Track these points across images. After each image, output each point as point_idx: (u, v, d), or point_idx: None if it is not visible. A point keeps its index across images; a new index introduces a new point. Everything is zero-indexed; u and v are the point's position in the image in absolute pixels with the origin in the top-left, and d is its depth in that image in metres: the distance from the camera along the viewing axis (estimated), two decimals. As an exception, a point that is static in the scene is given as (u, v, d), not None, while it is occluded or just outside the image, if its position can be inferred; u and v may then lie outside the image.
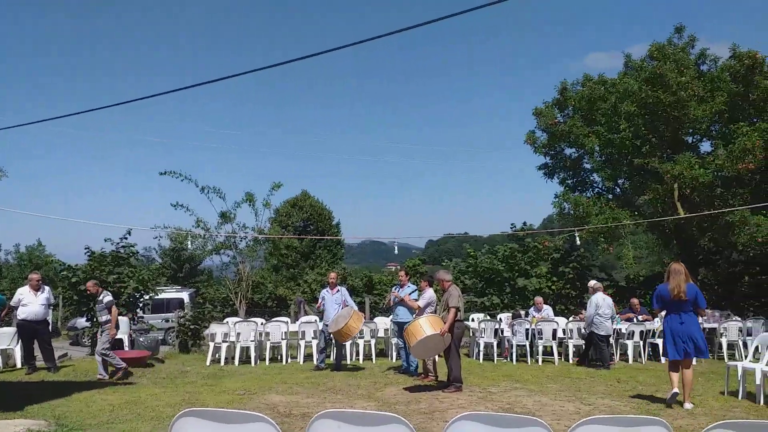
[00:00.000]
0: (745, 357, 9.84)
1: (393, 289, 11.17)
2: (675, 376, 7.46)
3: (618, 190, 19.98)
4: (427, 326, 8.45)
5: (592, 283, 12.31)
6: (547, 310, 13.57)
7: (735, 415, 7.06)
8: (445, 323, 8.49)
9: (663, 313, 8.07)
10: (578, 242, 16.99)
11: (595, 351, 11.75)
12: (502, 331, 12.85)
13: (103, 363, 9.68)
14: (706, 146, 19.00)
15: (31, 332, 10.16)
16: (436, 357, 9.80)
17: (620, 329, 12.51)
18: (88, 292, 10.57)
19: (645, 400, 7.93)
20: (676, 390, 7.35)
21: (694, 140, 19.08)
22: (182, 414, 2.95)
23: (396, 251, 17.38)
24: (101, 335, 9.81)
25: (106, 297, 9.85)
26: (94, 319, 13.11)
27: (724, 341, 12.64)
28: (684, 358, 7.39)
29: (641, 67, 18.30)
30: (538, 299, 14.15)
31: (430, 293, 9.89)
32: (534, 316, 13.07)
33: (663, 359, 12.11)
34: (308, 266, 32.49)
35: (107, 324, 9.73)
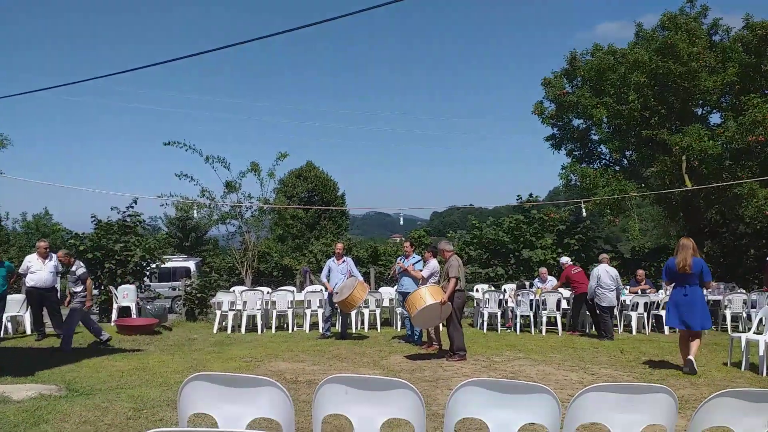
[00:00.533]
0: (749, 329, 9.88)
1: (398, 259, 11.23)
2: (685, 348, 7.86)
3: (625, 161, 19.85)
4: (427, 296, 8.51)
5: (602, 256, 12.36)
6: (552, 281, 13.62)
7: (738, 385, 7.12)
8: (445, 293, 8.54)
9: (671, 286, 8.31)
10: (584, 214, 16.96)
11: (597, 321, 11.85)
12: (506, 302, 12.94)
13: (66, 338, 9.17)
14: (715, 118, 18.83)
15: (39, 299, 10.28)
16: (440, 326, 9.88)
17: (624, 300, 12.56)
18: (60, 262, 9.99)
19: (648, 370, 8.00)
20: (691, 357, 7.75)
21: (704, 112, 18.87)
22: (191, 378, 3.00)
23: (401, 222, 17.40)
24: (73, 305, 9.27)
25: (80, 269, 9.34)
26: (101, 287, 13.27)
27: (728, 313, 12.68)
28: (683, 329, 7.85)
29: (652, 37, 18.03)
30: (543, 270, 14.19)
31: (433, 263, 9.93)
32: (538, 287, 13.13)
33: (666, 330, 12.21)
34: (313, 237, 32.62)
35: (82, 296, 9.25)
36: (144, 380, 6.81)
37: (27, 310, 10.97)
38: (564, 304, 12.59)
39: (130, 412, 5.30)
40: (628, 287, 13.46)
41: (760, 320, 8.55)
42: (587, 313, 12.32)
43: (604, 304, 11.44)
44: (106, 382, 6.63)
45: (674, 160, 16.79)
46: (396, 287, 11.70)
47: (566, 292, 12.88)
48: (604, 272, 11.61)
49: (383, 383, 3.05)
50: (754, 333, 8.32)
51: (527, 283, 14.24)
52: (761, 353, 7.78)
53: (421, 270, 10.20)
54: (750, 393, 2.96)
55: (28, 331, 11.00)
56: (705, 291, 8.32)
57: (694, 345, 7.82)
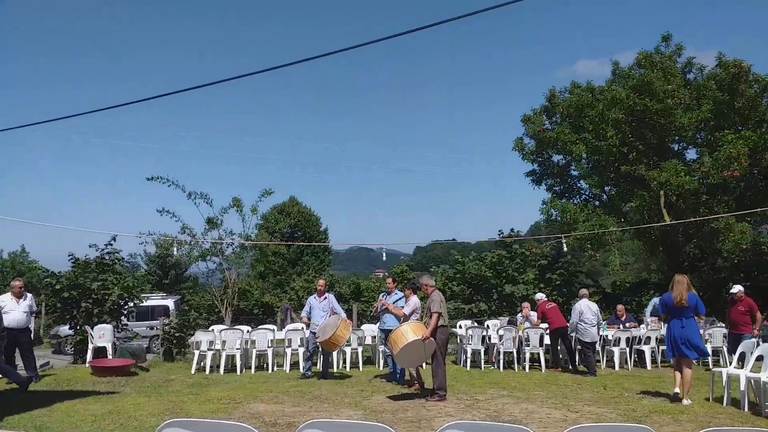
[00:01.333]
0: (730, 363, 9.93)
1: (380, 296, 11.17)
2: (678, 376, 8.37)
3: (605, 196, 20.15)
4: (409, 332, 8.45)
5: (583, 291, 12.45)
6: (534, 317, 13.62)
7: (720, 421, 7.13)
8: (427, 328, 8.49)
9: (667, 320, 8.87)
10: (565, 249, 17.11)
11: (580, 358, 11.85)
12: (490, 338, 12.90)
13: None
14: (691, 154, 19.27)
15: (12, 340, 10.01)
16: (423, 365, 9.80)
17: (606, 336, 12.59)
18: None
19: (631, 407, 7.98)
20: (677, 390, 8.29)
21: (680, 148, 19.32)
22: (166, 424, 2.94)
23: (384, 258, 17.39)
24: None
25: None
26: (77, 327, 13.01)
27: (708, 347, 12.71)
28: (680, 358, 8.35)
29: (629, 75, 18.51)
30: (525, 305, 14.21)
31: (414, 300, 9.90)
32: (520, 324, 13.12)
33: (649, 365, 12.24)
34: (295, 273, 32.40)
35: None
36: (118, 425, 6.64)
37: (-1, 351, 10.68)
38: (547, 340, 12.58)
39: (102, 459, 5.15)
40: (606, 323, 13.52)
41: (741, 354, 8.61)
42: (559, 348, 12.37)
43: (586, 340, 11.47)
44: (78, 428, 6.45)
45: (652, 195, 17.08)
46: (378, 324, 11.62)
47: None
48: (586, 307, 11.67)
49: (363, 428, 3.02)
50: (735, 368, 8.37)
51: (516, 318, 14.25)
52: (742, 388, 7.82)
53: (402, 307, 10.16)
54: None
55: (-1, 374, 10.69)
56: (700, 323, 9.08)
57: (686, 376, 8.28)
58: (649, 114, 17.06)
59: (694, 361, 12.15)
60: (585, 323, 11.47)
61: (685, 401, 8.10)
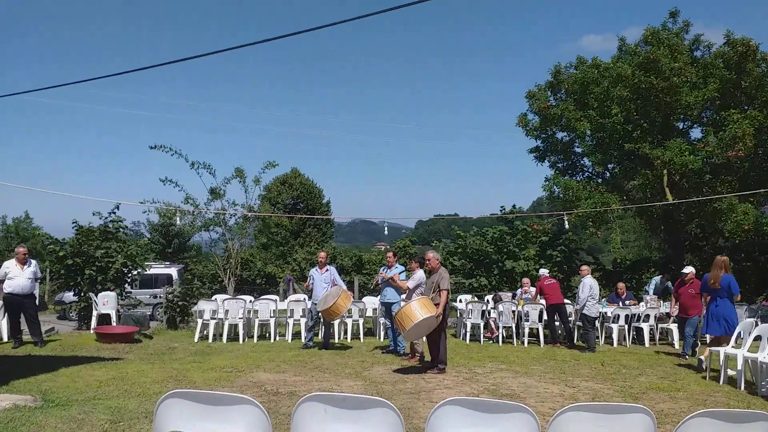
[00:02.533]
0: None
1: (381, 269, 11.19)
2: (706, 350, 8.91)
3: (608, 174, 20.05)
4: (421, 309, 8.44)
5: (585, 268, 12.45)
6: (531, 290, 13.64)
7: (716, 399, 7.18)
8: (436, 305, 8.50)
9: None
10: (567, 226, 17.09)
11: (579, 333, 11.91)
12: (489, 313, 12.97)
13: None
14: (696, 133, 19.11)
15: (17, 306, 10.10)
16: (424, 338, 9.85)
17: (606, 312, 12.64)
18: None
19: (628, 383, 8.04)
20: (702, 357, 9.01)
21: (685, 126, 19.14)
22: (169, 395, 2.95)
23: (386, 231, 17.39)
24: None
25: None
26: (81, 294, 13.09)
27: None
28: (718, 335, 8.92)
29: (635, 52, 18.26)
30: (525, 281, 14.26)
31: (420, 274, 9.90)
32: (521, 299, 13.17)
33: (647, 342, 12.32)
34: (297, 244, 32.46)
35: None
36: (122, 391, 6.70)
37: (4, 316, 10.77)
38: (546, 316, 12.62)
39: (106, 425, 5.21)
40: (605, 300, 13.57)
41: (738, 334, 8.64)
42: (556, 323, 12.45)
43: (592, 315, 11.52)
44: (83, 393, 6.51)
45: (656, 174, 16.99)
46: (379, 297, 11.66)
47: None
48: (594, 283, 11.73)
49: (363, 402, 3.03)
50: (732, 347, 8.41)
51: (510, 294, 14.29)
52: (739, 367, 7.86)
53: (405, 280, 10.18)
54: (728, 414, 2.98)
55: (5, 339, 10.79)
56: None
57: (712, 348, 8.79)
58: (655, 92, 16.87)
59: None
60: (593, 299, 11.52)
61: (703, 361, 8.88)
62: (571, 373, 8.76)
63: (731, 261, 19.17)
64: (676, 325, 12.09)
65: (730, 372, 8.24)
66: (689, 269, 10.95)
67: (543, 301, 12.62)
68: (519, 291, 14.11)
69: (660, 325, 12.99)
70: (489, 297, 14.73)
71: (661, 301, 13.75)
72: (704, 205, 16.77)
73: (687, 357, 10.20)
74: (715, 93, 16.88)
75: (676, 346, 12.04)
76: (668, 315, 12.45)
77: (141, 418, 5.46)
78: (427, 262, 9.23)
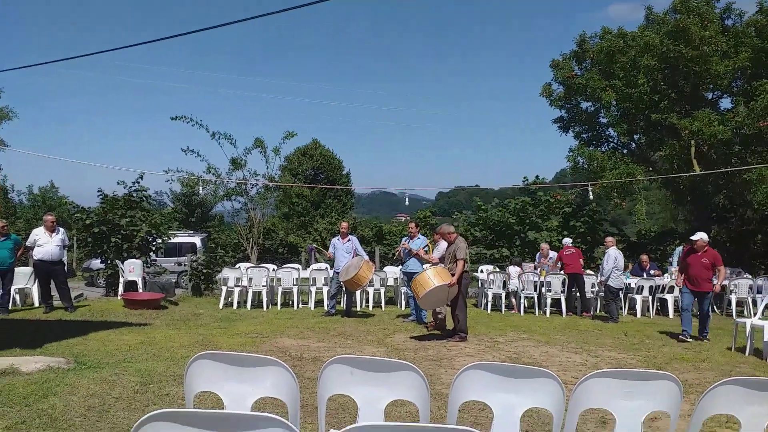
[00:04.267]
0: (754, 314, 9.88)
1: (403, 240, 11.21)
2: None
3: (633, 145, 19.74)
4: (435, 278, 8.49)
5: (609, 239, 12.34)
6: (554, 256, 13.55)
7: (741, 370, 7.13)
8: (453, 275, 8.53)
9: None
10: (591, 197, 16.90)
11: (601, 304, 11.87)
12: (510, 285, 12.93)
13: None
14: (726, 103, 18.67)
15: (47, 272, 10.34)
16: (444, 307, 9.91)
17: (629, 284, 12.56)
18: None
19: (652, 353, 8.01)
20: None
21: (715, 96, 18.69)
22: (198, 356, 3.01)
23: (407, 202, 17.39)
24: None
25: None
26: (108, 262, 13.34)
27: (733, 298, 12.67)
28: None
29: (663, 21, 17.79)
30: (544, 246, 14.15)
31: (444, 245, 9.91)
32: (543, 270, 13.12)
33: (671, 313, 12.23)
34: (318, 215, 32.63)
35: None
36: (151, 354, 6.87)
37: (35, 282, 11.05)
38: (574, 287, 12.53)
39: (137, 386, 5.35)
40: (629, 272, 13.46)
41: (766, 306, 8.54)
42: (573, 292, 12.45)
43: (615, 286, 11.46)
44: (113, 356, 6.69)
45: (683, 145, 16.67)
46: (401, 267, 11.71)
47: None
48: (619, 254, 11.64)
49: (388, 365, 3.06)
50: (759, 318, 8.32)
51: (525, 266, 14.24)
52: (766, 339, 7.79)
53: (428, 253, 10.21)
54: (756, 381, 2.95)
55: (36, 304, 11.09)
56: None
57: (738, 320, 8.47)
58: (684, 61, 16.46)
59: (717, 312, 12.27)
60: (618, 270, 11.46)
61: None
62: (594, 343, 8.75)
63: (759, 233, 18.98)
64: (673, 297, 11.70)
65: (756, 344, 8.17)
66: (699, 235, 9.39)
67: (561, 271, 12.58)
68: (538, 255, 14.06)
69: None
70: (510, 267, 14.70)
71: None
72: (732, 176, 16.45)
73: (687, 337, 9.02)
74: (746, 62, 16.42)
75: (671, 315, 12.02)
76: (672, 288, 11.89)
77: (170, 381, 5.60)
78: (445, 235, 9.27)
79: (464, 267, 8.69)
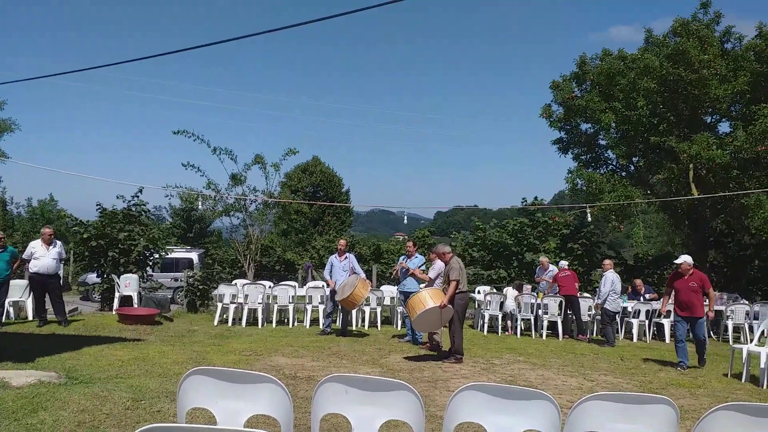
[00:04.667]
0: (751, 341, 9.84)
1: (401, 259, 11.20)
2: None
3: (632, 168, 19.80)
4: (428, 299, 8.47)
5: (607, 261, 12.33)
6: (553, 270, 13.50)
7: (737, 397, 7.09)
8: (446, 295, 8.50)
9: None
10: (589, 219, 16.93)
11: (598, 327, 11.83)
12: (507, 306, 12.88)
13: None
14: (724, 127, 18.76)
15: (42, 285, 10.29)
16: (442, 327, 9.87)
17: (626, 307, 12.53)
18: None
19: (648, 378, 7.97)
20: None
21: (713, 120, 18.80)
22: (191, 372, 2.99)
23: (405, 221, 17.43)
24: None
25: None
26: (104, 276, 13.30)
27: (730, 324, 12.64)
28: None
29: (663, 43, 17.96)
30: (544, 260, 14.14)
31: (439, 265, 9.90)
32: (540, 292, 13.10)
33: (668, 338, 12.18)
34: (317, 232, 32.63)
35: None
36: (143, 370, 6.81)
37: (29, 295, 10.99)
38: (569, 309, 12.50)
39: (128, 403, 5.30)
40: (625, 297, 13.43)
41: (762, 332, 8.51)
42: (569, 315, 12.40)
43: (612, 310, 11.43)
44: (105, 371, 6.63)
45: (681, 168, 16.74)
46: (398, 287, 11.69)
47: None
48: (617, 278, 11.63)
49: (383, 384, 3.04)
50: (756, 345, 8.29)
51: (529, 287, 14.22)
52: (762, 365, 7.75)
53: (425, 272, 10.19)
54: (752, 407, 2.94)
55: (30, 317, 11.02)
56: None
57: (735, 346, 8.44)
58: (683, 84, 16.58)
59: (713, 337, 12.23)
60: (615, 293, 11.43)
61: None
62: (590, 367, 8.71)
63: (756, 259, 18.99)
64: (670, 321, 11.45)
65: (753, 371, 8.13)
66: (683, 258, 9.11)
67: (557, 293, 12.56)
68: (538, 269, 14.07)
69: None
70: (507, 288, 14.66)
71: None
72: (731, 200, 16.50)
73: (684, 368, 8.72)
74: (745, 86, 16.54)
75: (667, 340, 11.98)
76: (668, 312, 11.07)
77: (162, 397, 5.55)
78: (440, 255, 9.28)
79: (457, 288, 8.63)
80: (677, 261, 9.19)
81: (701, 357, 9.06)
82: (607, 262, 12.21)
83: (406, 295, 10.55)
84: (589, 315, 12.53)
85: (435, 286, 9.28)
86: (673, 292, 9.26)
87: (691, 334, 9.18)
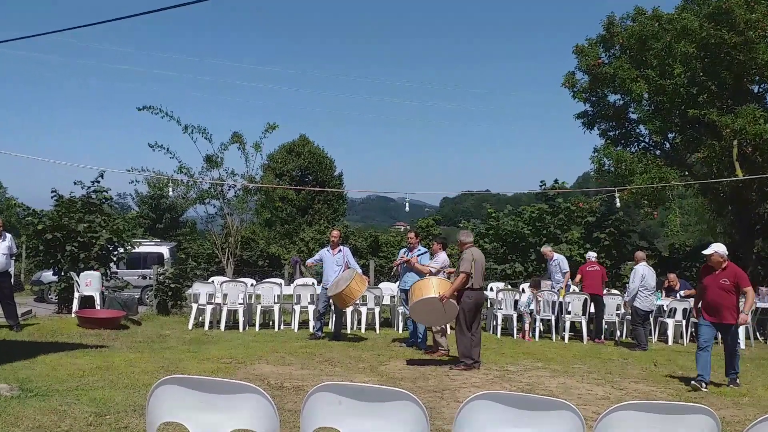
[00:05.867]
0: None
1: (401, 252, 11.21)
2: None
3: (667, 145, 19.79)
4: (431, 288, 8.49)
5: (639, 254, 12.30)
6: (558, 260, 13.41)
7: (787, 406, 7.14)
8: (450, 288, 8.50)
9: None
10: (618, 204, 16.94)
11: (629, 329, 11.88)
12: (522, 305, 12.81)
13: None
14: (774, 97, 18.71)
15: (-10, 285, 10.30)
16: (447, 329, 9.91)
17: (662, 306, 12.57)
18: None
19: (685, 387, 8.02)
20: None
21: (761, 90, 18.77)
22: (162, 381, 3.01)
23: (407, 209, 17.44)
24: None
25: None
26: (61, 273, 13.32)
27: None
28: None
29: (704, 1, 17.87)
30: (546, 249, 13.95)
31: (443, 257, 9.95)
32: (561, 288, 13.12)
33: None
34: (305, 222, 32.67)
35: None
36: (108, 381, 6.85)
37: (-25, 297, 11.00)
38: (592, 308, 12.51)
39: (91, 418, 5.34)
40: (660, 294, 13.45)
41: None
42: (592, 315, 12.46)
43: (643, 309, 11.40)
44: (64, 382, 6.66)
45: (724, 145, 16.71)
46: (398, 284, 11.71)
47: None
48: (649, 272, 11.57)
49: (383, 394, 3.06)
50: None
51: (544, 283, 14.22)
52: (816, 371, 7.79)
53: (426, 264, 10.20)
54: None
55: (-23, 322, 11.04)
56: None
57: None
58: (726, 48, 16.52)
59: (760, 339, 12.27)
60: (647, 290, 11.39)
61: None
62: (619, 374, 8.76)
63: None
64: (694, 327, 10.60)
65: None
66: (713, 248, 8.07)
67: (575, 288, 12.60)
68: (548, 264, 13.87)
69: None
70: (525, 285, 14.68)
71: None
72: (781, 182, 16.49)
73: (703, 386, 7.81)
74: (798, 50, 16.49)
75: (687, 342, 11.94)
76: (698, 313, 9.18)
77: (129, 411, 5.58)
78: (461, 245, 9.22)
79: (466, 282, 8.62)
80: (706, 252, 8.27)
81: (730, 368, 8.25)
82: (639, 253, 12.22)
83: (406, 294, 10.59)
84: (618, 314, 12.56)
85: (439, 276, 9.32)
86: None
87: (720, 340, 8.67)
